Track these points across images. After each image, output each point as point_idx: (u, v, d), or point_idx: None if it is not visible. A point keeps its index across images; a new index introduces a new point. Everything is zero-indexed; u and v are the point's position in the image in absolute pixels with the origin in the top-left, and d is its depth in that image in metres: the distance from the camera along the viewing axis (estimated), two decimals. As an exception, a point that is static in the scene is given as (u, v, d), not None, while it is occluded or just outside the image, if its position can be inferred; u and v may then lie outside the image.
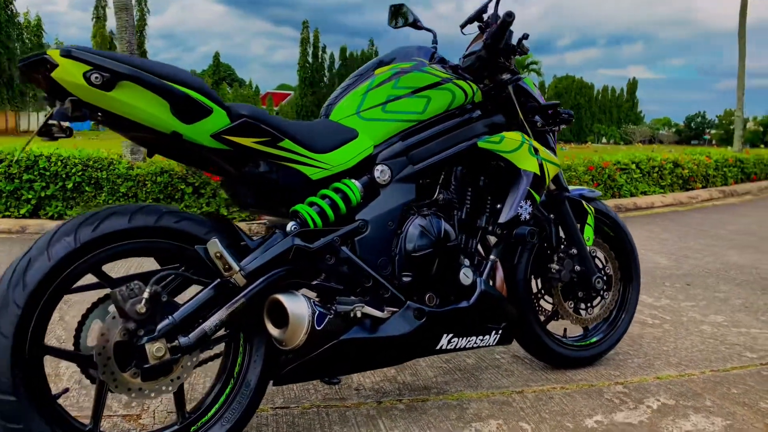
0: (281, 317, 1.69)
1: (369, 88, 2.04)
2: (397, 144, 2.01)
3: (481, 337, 2.10)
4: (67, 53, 1.44)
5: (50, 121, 1.51)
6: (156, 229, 1.61)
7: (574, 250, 2.44)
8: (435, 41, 2.43)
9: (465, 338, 2.05)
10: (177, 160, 1.87)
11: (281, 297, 1.68)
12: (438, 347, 2.00)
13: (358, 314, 1.77)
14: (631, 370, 2.58)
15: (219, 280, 1.62)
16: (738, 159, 11.31)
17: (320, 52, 65.48)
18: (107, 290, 1.60)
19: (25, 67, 1.48)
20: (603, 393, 2.34)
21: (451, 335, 2.01)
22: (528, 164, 2.16)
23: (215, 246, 1.58)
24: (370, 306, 1.82)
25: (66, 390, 1.68)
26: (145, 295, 1.53)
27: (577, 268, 2.44)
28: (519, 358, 2.69)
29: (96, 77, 1.46)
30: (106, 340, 1.52)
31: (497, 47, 2.16)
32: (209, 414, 1.72)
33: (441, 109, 2.07)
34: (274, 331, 1.71)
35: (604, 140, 73.49)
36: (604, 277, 2.54)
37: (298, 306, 1.68)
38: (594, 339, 2.62)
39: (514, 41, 2.22)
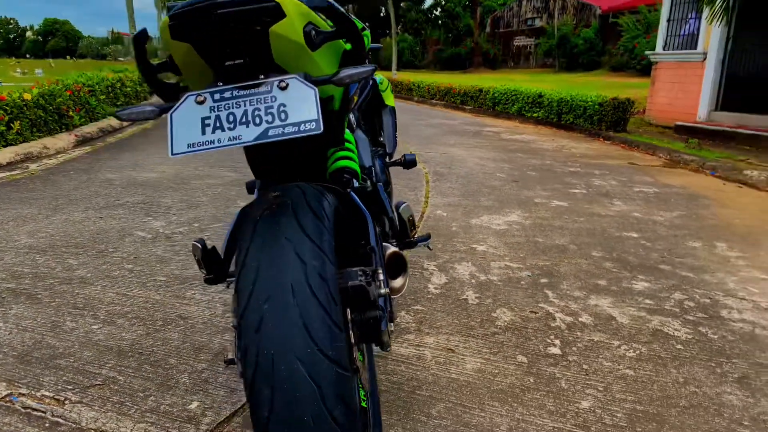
0: (393, 268, 1.74)
1: None
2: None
3: None
4: None
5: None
6: (337, 206, 1.41)
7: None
8: None
9: None
10: None
11: (396, 249, 1.73)
12: None
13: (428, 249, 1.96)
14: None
15: (396, 240, 1.57)
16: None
17: None
18: None
19: (226, 16, 1.09)
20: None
21: None
22: (392, 101, 2.54)
23: (409, 210, 1.53)
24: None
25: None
26: (381, 276, 1.40)
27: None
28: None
29: (315, 34, 1.22)
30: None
31: None
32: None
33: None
34: (395, 282, 1.74)
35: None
36: None
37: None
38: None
39: None
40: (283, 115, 1.13)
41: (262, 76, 1.17)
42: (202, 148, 1.12)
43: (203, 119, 1.13)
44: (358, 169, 1.76)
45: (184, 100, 1.15)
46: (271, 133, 1.12)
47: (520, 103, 11.11)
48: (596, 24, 25.36)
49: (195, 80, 1.27)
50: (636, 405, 1.92)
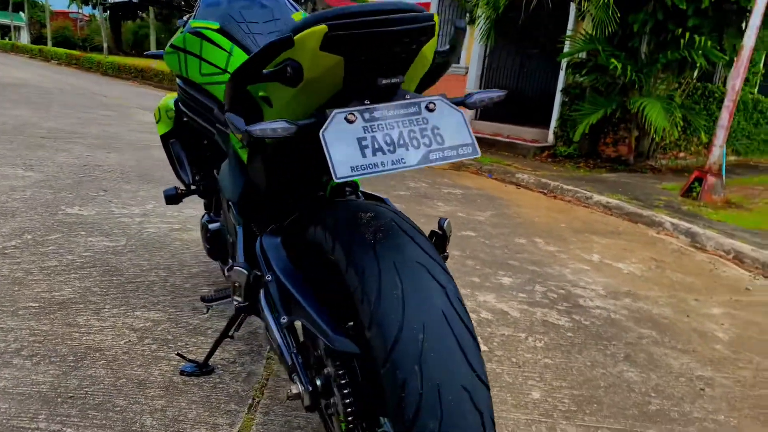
0: None
1: None
2: None
3: None
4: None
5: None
6: None
7: None
8: None
9: None
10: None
11: None
12: None
13: None
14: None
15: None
16: None
17: None
18: None
19: (397, 34, 1.08)
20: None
21: None
22: None
23: (450, 226, 1.54)
24: None
25: None
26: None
27: None
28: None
29: (437, 55, 1.25)
30: None
31: None
32: None
33: None
34: None
35: None
36: None
37: None
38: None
39: None
40: (439, 138, 1.11)
41: (408, 96, 1.13)
42: (366, 171, 1.05)
43: (359, 140, 1.06)
44: (359, 182, 1.74)
45: (333, 117, 1.07)
46: (431, 157, 1.10)
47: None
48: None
49: (314, 96, 1.16)
50: (572, 390, 2.21)
